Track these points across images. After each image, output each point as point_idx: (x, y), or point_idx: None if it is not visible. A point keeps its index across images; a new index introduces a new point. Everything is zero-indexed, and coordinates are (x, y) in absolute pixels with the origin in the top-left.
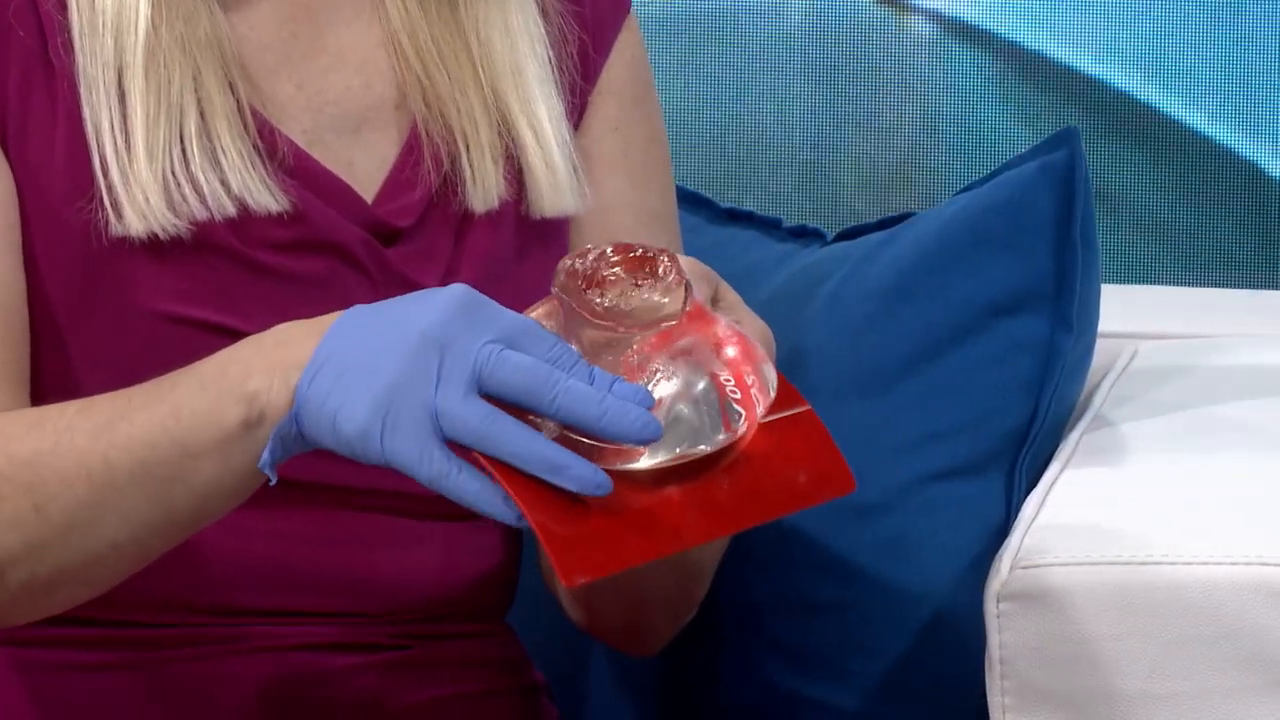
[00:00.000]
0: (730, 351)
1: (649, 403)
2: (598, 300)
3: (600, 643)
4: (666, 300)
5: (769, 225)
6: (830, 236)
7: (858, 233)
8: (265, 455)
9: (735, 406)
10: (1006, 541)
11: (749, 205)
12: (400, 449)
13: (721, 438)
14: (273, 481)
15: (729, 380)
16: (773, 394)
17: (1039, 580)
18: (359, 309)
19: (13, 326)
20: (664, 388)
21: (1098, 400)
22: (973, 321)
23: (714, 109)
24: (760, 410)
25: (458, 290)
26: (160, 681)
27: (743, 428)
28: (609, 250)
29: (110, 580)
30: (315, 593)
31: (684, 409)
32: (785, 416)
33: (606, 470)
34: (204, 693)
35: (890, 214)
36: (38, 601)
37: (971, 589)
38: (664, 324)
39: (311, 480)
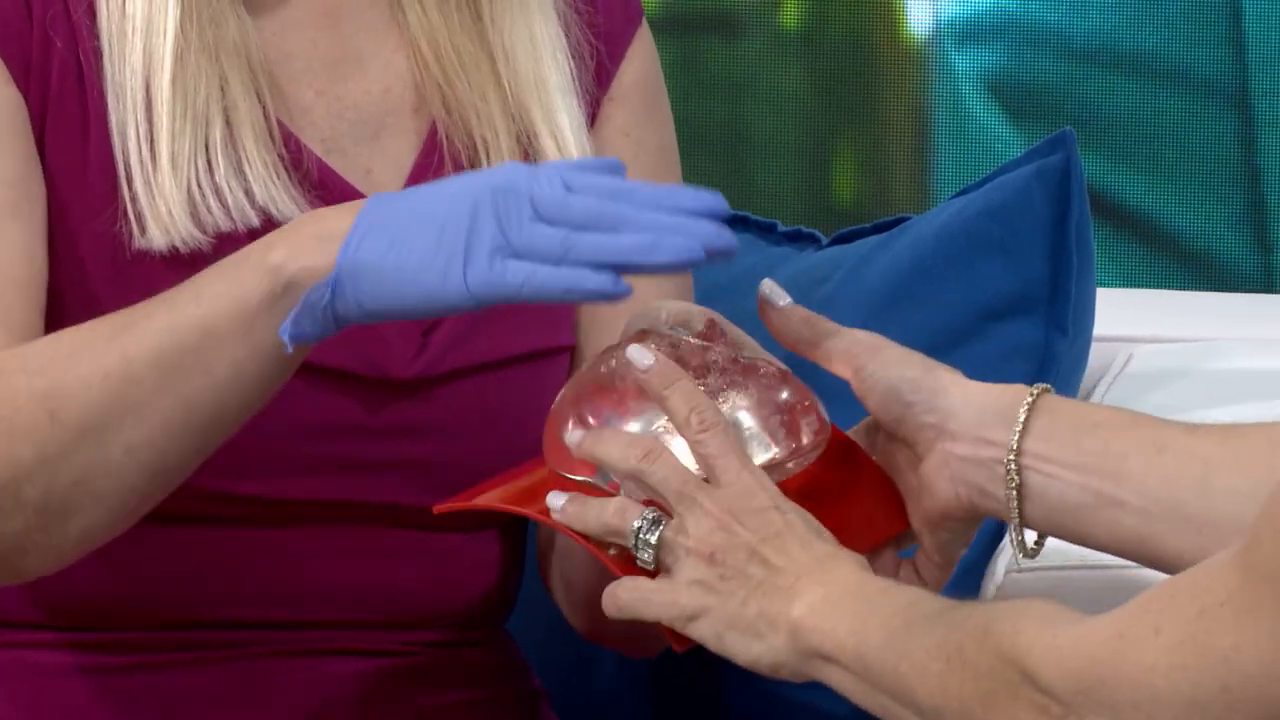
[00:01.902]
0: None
1: (716, 207)
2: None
3: (599, 650)
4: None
5: (764, 229)
6: (826, 240)
7: (853, 236)
8: (287, 322)
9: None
10: (1001, 545)
11: (745, 208)
12: (479, 275)
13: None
14: (289, 350)
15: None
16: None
17: (1034, 584)
18: (386, 193)
19: (34, 299)
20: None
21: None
22: (968, 325)
23: (710, 111)
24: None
25: (503, 164)
26: (161, 685)
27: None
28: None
29: (125, 499)
30: (320, 604)
31: (748, 418)
32: None
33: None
34: (208, 697)
35: (885, 217)
36: (52, 530)
37: (968, 592)
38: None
39: (316, 499)
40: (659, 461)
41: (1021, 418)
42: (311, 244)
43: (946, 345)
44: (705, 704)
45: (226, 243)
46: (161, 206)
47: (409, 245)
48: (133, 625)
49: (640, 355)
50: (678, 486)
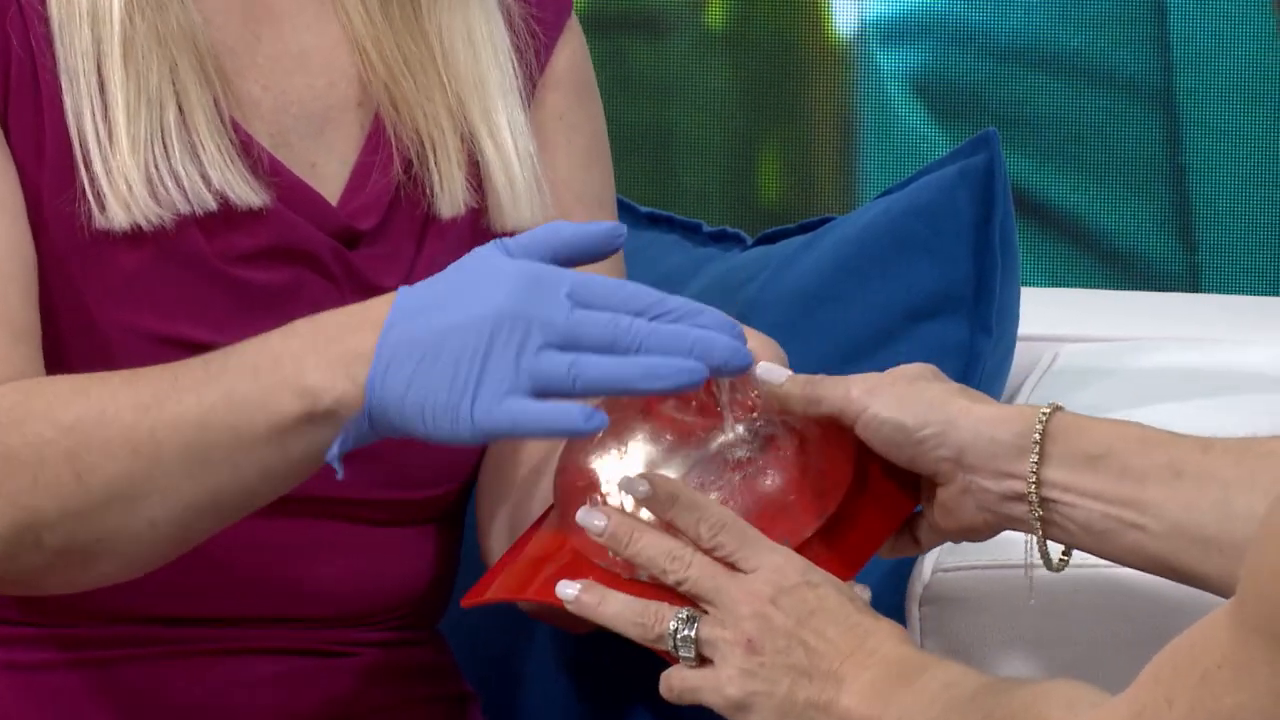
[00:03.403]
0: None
1: (737, 331)
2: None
3: (525, 653)
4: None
5: (689, 229)
6: (751, 240)
7: (778, 236)
8: (335, 449)
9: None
10: None
11: (670, 208)
12: (483, 415)
13: None
14: (340, 475)
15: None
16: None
17: (960, 584)
18: (409, 295)
19: (30, 292)
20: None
21: (1019, 403)
22: (893, 325)
23: (635, 110)
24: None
25: (516, 266)
26: (95, 682)
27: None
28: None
29: (148, 559)
30: (253, 599)
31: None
32: None
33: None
34: (139, 695)
35: (811, 218)
36: (73, 571)
37: (895, 592)
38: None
39: None
40: (690, 566)
41: (1036, 448)
42: (341, 368)
43: (871, 345)
44: (631, 707)
45: (186, 223)
46: (121, 184)
47: (426, 383)
48: (63, 621)
49: (633, 487)
50: (709, 584)
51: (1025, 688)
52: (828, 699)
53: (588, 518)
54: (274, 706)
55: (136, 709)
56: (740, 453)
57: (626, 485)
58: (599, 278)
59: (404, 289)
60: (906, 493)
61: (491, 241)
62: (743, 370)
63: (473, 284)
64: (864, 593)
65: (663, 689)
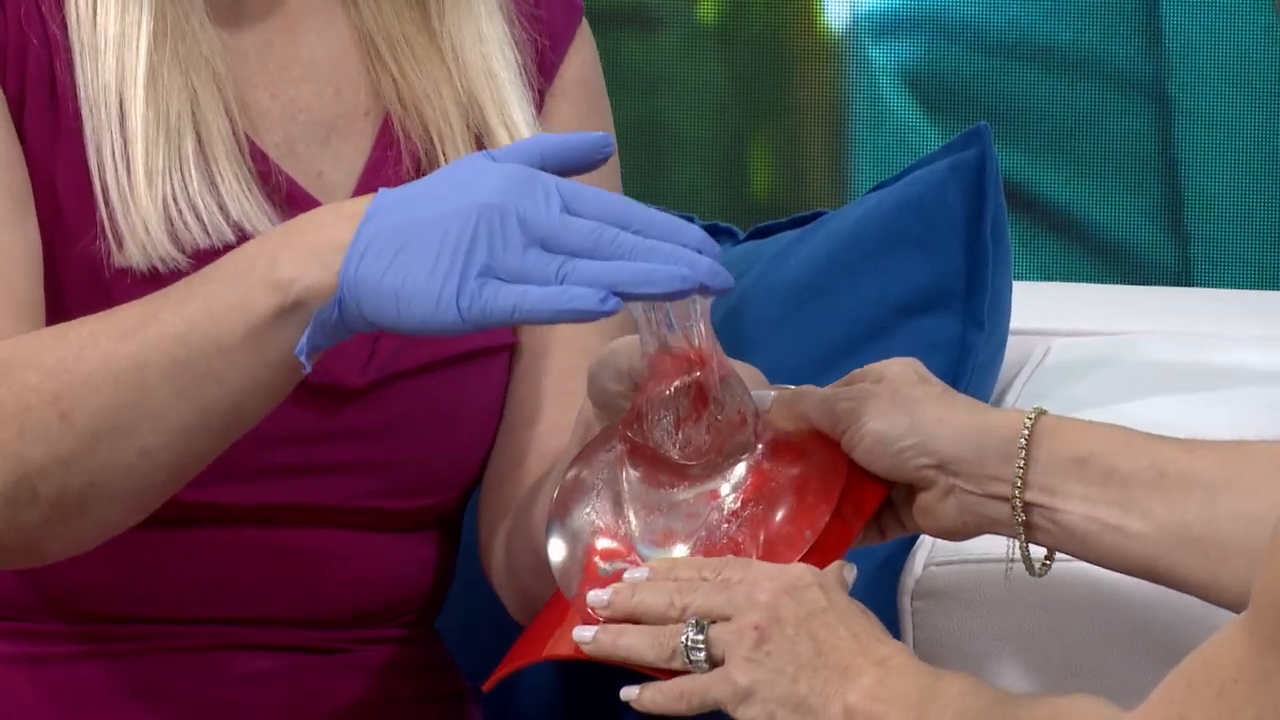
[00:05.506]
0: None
1: (716, 252)
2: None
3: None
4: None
5: None
6: (742, 235)
7: (769, 231)
8: (302, 341)
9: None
10: (920, 539)
11: (661, 202)
12: (471, 301)
13: None
14: (307, 369)
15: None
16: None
17: (952, 578)
18: (389, 193)
19: (34, 272)
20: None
21: (1011, 397)
22: (885, 320)
23: (627, 104)
24: None
25: (506, 167)
26: (107, 674)
27: None
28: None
29: (143, 496)
30: (260, 602)
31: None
32: None
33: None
34: (149, 688)
35: (802, 212)
36: (71, 522)
37: (885, 586)
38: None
39: (261, 503)
40: (696, 592)
41: (1022, 454)
42: (314, 259)
43: (863, 340)
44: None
45: (206, 259)
46: (138, 223)
47: (405, 268)
48: (78, 618)
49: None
50: (717, 598)
51: (1043, 702)
52: (832, 690)
53: (595, 598)
54: (277, 702)
55: (146, 701)
56: (731, 500)
57: (628, 578)
58: (586, 186)
59: (384, 189)
60: (878, 481)
61: (478, 151)
62: (724, 291)
63: (457, 181)
64: (850, 572)
65: (664, 697)
